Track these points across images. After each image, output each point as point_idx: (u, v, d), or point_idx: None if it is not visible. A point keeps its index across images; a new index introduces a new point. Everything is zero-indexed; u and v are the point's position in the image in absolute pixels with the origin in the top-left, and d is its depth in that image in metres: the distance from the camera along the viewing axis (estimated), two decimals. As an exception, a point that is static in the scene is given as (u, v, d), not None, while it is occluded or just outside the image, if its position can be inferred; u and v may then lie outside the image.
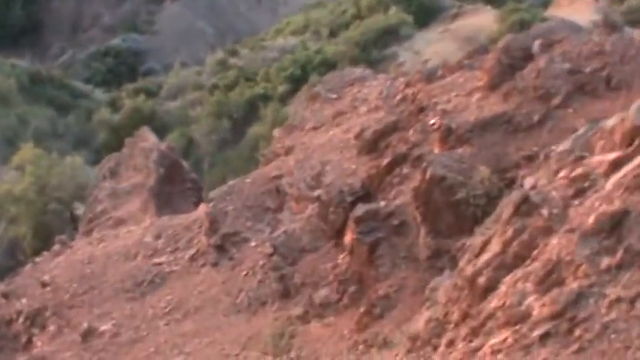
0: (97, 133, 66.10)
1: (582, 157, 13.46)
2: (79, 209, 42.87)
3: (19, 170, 47.92)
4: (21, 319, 25.34)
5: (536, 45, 21.35)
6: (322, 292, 20.94)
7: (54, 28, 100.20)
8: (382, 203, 20.78)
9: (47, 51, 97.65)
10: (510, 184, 17.90)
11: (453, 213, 18.89)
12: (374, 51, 59.30)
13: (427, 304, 16.19)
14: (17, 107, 70.55)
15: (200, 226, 26.68)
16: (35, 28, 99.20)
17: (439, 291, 16.00)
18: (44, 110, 72.11)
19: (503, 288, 12.92)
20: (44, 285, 26.11)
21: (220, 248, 25.08)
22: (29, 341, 24.65)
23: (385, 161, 22.35)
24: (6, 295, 26.75)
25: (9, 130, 64.77)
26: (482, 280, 13.70)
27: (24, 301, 25.88)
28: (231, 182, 27.42)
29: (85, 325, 23.81)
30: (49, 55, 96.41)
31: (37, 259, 30.09)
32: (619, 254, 11.32)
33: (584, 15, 50.28)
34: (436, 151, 20.70)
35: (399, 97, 25.15)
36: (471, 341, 13.05)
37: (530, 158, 18.38)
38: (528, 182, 14.04)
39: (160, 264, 26.09)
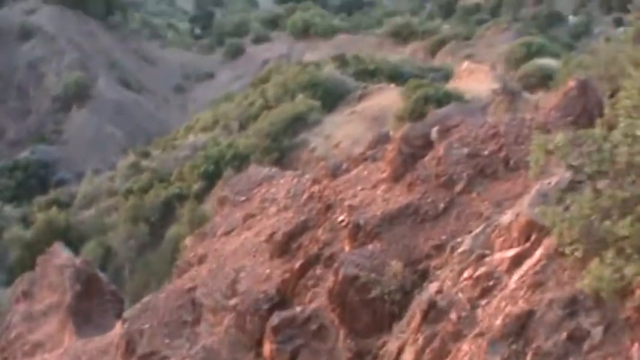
0: (9, 251, 64.52)
1: (484, 256, 13.36)
2: (-5, 336, 41.42)
3: None
4: None
5: (434, 132, 21.47)
6: (246, 408, 20.38)
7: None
8: (298, 309, 20.40)
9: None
10: (423, 275, 17.74)
11: (370, 311, 18.58)
12: (285, 140, 59.45)
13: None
14: None
15: (117, 348, 25.85)
16: None
17: (362, 401, 15.64)
18: (-53, 234, 70.30)
19: (422, 401, 12.63)
20: None
21: (139, 370, 24.31)
22: None
23: (298, 264, 22.04)
24: None
25: None
26: (400, 392, 13.39)
27: None
28: (145, 299, 26.70)
29: None
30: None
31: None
32: (528, 358, 11.12)
33: (483, 84, 51.39)
34: (347, 248, 20.47)
35: (306, 195, 24.97)
36: None
37: (440, 247, 18.25)
38: (434, 286, 13.84)
39: (77, 395, 25.15)
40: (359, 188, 22.32)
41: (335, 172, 24.48)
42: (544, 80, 53.63)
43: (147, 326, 25.01)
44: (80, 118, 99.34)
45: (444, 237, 18.65)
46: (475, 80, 58.29)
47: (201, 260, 27.01)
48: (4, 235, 67.10)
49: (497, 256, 13.02)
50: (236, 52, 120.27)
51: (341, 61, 77.16)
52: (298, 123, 60.71)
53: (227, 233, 27.61)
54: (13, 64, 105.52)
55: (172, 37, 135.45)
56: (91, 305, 36.22)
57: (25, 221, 68.96)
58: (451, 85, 59.46)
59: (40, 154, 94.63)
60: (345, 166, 24.83)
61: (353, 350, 18.76)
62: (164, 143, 75.19)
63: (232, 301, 22.93)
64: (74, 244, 52.73)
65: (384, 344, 16.94)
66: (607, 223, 10.91)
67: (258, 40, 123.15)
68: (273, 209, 26.95)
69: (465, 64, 69.33)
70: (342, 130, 58.35)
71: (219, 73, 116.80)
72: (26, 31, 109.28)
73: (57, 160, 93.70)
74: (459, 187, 19.70)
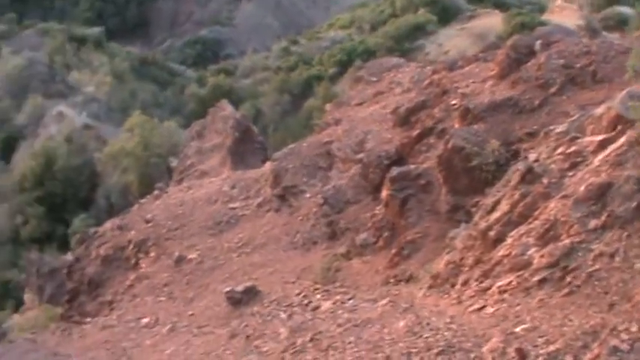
0: (187, 103, 66.15)
1: (576, 138, 13.05)
2: (174, 162, 42.91)
3: (130, 132, 48.35)
4: (131, 247, 25.19)
5: (538, 44, 20.85)
6: (362, 236, 20.72)
7: (158, 23, 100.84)
8: (412, 166, 20.44)
9: (152, 40, 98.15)
10: (515, 154, 17.52)
11: (469, 176, 18.47)
12: (405, 43, 58.30)
13: (447, 250, 15.92)
14: (129, 84, 70.95)
15: (266, 180, 26.46)
16: (144, 23, 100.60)
17: (457, 239, 15.74)
18: (149, 86, 72.33)
19: (509, 240, 12.64)
20: (147, 221, 26.10)
21: (282, 198, 24.88)
22: (137, 263, 24.63)
23: (415, 133, 22.00)
24: (121, 228, 26.70)
25: (123, 101, 65.24)
26: (492, 233, 13.41)
27: (133, 232, 25.86)
28: (291, 145, 27.10)
29: (177, 253, 23.70)
30: (154, 44, 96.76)
31: (142, 201, 30.14)
32: (603, 217, 10.99)
33: (571, 20, 48.99)
34: (456, 126, 20.30)
35: (427, 81, 24.68)
36: (482, 282, 12.80)
37: (531, 135, 17.93)
38: (532, 156, 13.65)
39: (234, 208, 25.94)
40: (471, 81, 21.95)
41: (452, 67, 24.12)
42: (620, 24, 50.82)
43: (291, 166, 25.49)
44: (248, 9, 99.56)
45: (535, 127, 18.26)
46: (564, 16, 55.52)
47: (337, 122, 27.16)
48: (185, 91, 68.75)
49: (588, 139, 12.71)
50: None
51: (458, -14, 74.58)
52: (418, 31, 59.42)
53: (359, 104, 27.60)
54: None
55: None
56: (245, 149, 36.87)
57: (200, 82, 70.17)
58: (544, 17, 56.93)
59: (215, 33, 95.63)
60: (460, 63, 24.40)
61: (451, 204, 18.80)
62: (310, 35, 74.71)
63: (360, 155, 23.11)
64: (234, 103, 53.22)
65: (476, 204, 16.81)
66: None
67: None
68: (398, 90, 26.77)
69: (558, 1, 66.00)
70: (452, 42, 56.85)
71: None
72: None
73: (227, 39, 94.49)
74: (552, 90, 19.17)
